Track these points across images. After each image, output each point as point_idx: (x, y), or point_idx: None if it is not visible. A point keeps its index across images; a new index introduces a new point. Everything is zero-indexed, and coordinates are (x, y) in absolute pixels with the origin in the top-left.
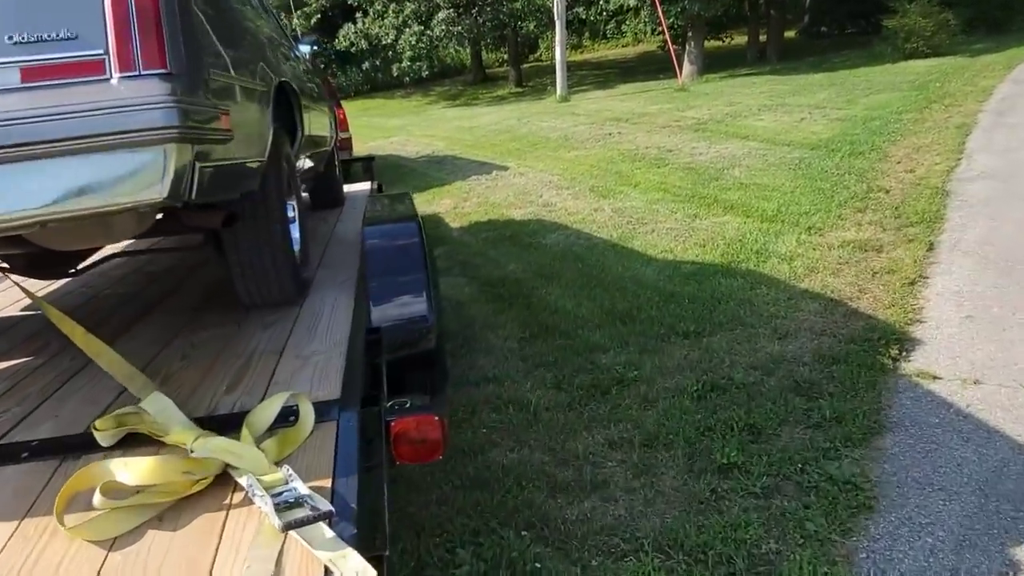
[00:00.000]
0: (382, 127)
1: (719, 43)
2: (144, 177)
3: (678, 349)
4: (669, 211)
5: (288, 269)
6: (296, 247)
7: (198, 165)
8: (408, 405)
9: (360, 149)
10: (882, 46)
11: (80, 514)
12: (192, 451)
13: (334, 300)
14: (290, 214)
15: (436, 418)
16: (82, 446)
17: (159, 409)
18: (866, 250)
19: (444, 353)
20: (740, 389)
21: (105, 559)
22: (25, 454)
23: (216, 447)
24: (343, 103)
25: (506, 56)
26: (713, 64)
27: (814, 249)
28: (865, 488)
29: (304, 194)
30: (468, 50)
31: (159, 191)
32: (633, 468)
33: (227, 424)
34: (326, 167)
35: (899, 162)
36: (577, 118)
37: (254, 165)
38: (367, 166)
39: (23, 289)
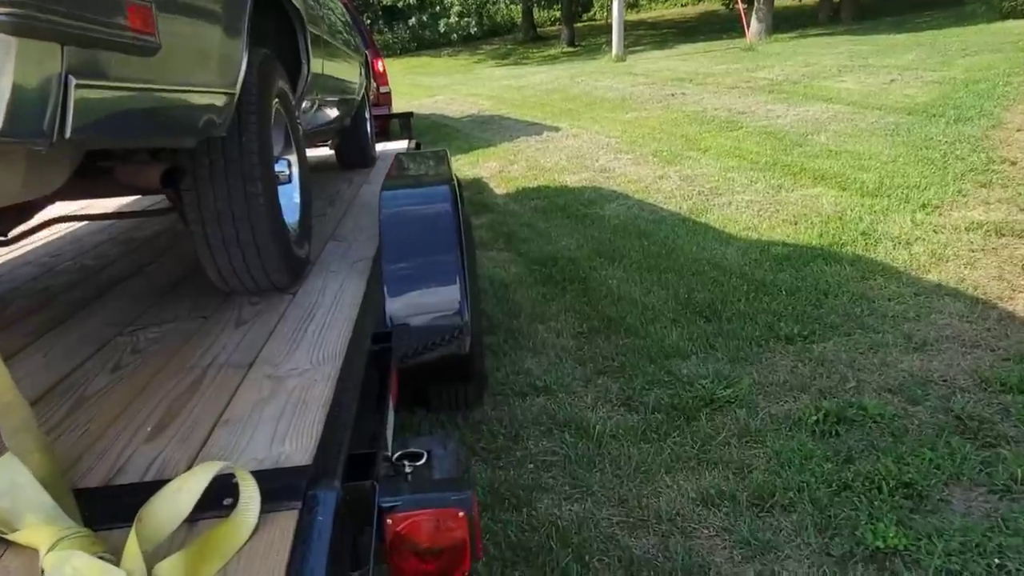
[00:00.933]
0: (426, 86)
1: (790, 2)
2: None
3: (781, 359)
4: (747, 180)
5: (275, 246)
6: (292, 217)
7: (75, 82)
8: (423, 461)
9: (401, 108)
10: (975, 5)
11: None
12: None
13: (338, 289)
14: (284, 172)
15: (461, 513)
16: None
17: (5, 487)
18: (1003, 234)
19: (481, 359)
20: (878, 424)
21: None
22: None
23: (78, 572)
24: (387, 62)
25: (558, 14)
26: (782, 24)
27: (936, 232)
28: None
29: (328, 150)
30: (519, 7)
31: None
32: (741, 545)
33: (119, 509)
34: (355, 120)
35: (1019, 130)
36: (635, 78)
37: (214, 101)
38: (404, 123)
39: None
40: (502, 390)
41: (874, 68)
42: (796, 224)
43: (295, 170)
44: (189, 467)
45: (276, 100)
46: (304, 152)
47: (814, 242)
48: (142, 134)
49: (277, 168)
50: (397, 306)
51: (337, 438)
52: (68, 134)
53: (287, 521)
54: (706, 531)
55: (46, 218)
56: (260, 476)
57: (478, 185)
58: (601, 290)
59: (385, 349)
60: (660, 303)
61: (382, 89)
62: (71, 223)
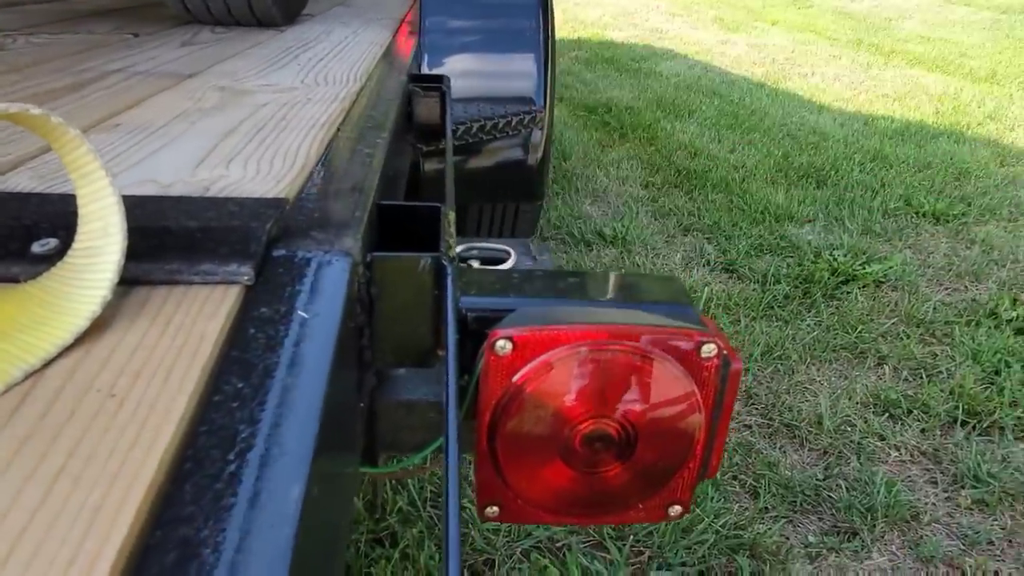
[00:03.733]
0: None
1: None
2: None
3: (932, 239)
4: (829, 55)
5: None
6: None
7: None
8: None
9: None
10: None
11: None
12: None
13: (353, 32)
14: None
15: (707, 346)
16: None
17: None
18: None
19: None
20: None
21: None
22: None
23: None
24: None
25: None
26: None
27: None
28: None
29: None
30: None
31: None
32: (957, 479)
33: None
34: None
35: None
36: None
37: None
38: None
39: None
40: (557, 235)
41: None
42: (901, 101)
43: None
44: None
45: None
46: None
47: (929, 120)
48: None
49: None
50: (443, 63)
51: (348, 174)
52: None
53: (215, 304)
54: (895, 454)
55: None
56: (152, 203)
57: None
58: (672, 142)
59: (436, 92)
60: (752, 162)
61: None
62: None
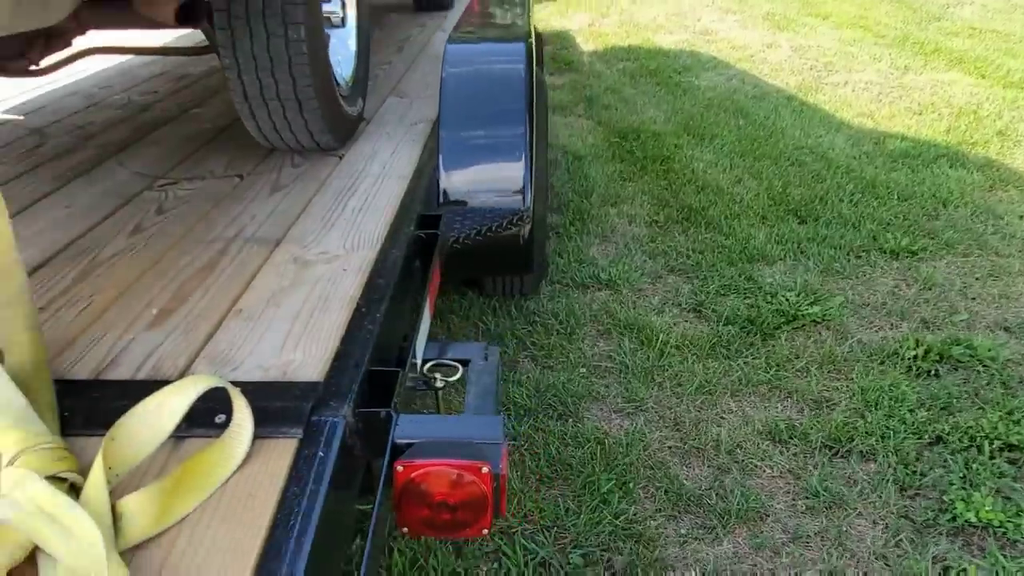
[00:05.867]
0: None
1: None
2: None
3: (882, 276)
4: (870, 56)
5: (320, 102)
6: (344, 69)
7: None
8: (457, 376)
9: None
10: None
11: None
12: None
13: (389, 157)
14: (336, 14)
15: (484, 469)
16: None
17: None
18: None
19: (542, 248)
20: (987, 369)
21: None
22: None
23: (32, 503)
24: None
25: None
26: None
27: None
28: None
29: None
30: None
31: None
32: (808, 493)
33: (102, 413)
34: None
35: None
36: None
37: None
38: None
39: None
40: (562, 279)
41: None
42: (920, 114)
43: (351, 12)
44: (188, 367)
45: None
46: None
47: (939, 138)
48: None
49: (327, 9)
50: (452, 180)
51: (356, 351)
52: None
53: (284, 451)
54: (768, 471)
55: (80, 48)
56: (261, 392)
57: (563, 39)
58: (685, 174)
59: (431, 236)
60: (750, 195)
61: None
62: (124, 55)
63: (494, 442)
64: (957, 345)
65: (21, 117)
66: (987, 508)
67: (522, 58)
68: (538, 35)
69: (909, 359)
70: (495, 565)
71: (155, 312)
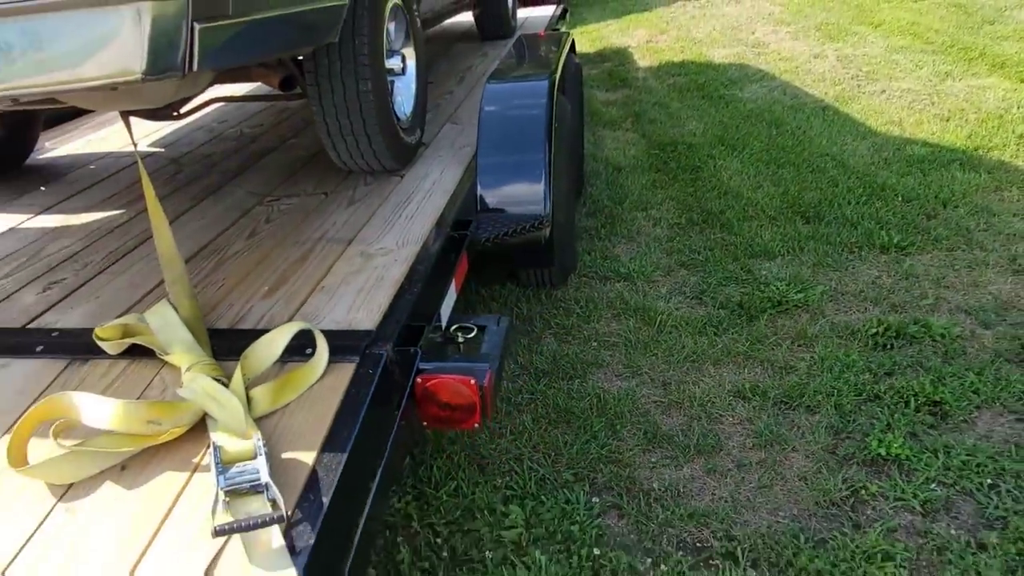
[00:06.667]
0: None
1: None
2: (112, 49)
3: (867, 268)
4: (913, 64)
5: (383, 136)
6: (405, 107)
7: (199, 27)
8: (473, 335)
9: None
10: None
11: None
12: (181, 386)
13: (438, 177)
14: (398, 66)
15: (472, 380)
16: (91, 349)
17: (160, 323)
18: None
19: (563, 247)
20: (936, 343)
21: (48, 514)
22: (39, 348)
23: (201, 390)
24: None
25: None
26: None
27: None
28: None
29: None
30: None
31: (136, 64)
32: (757, 435)
33: (237, 347)
34: None
35: None
36: None
37: (321, 16)
38: None
39: (131, 137)
40: (587, 272)
41: None
42: (947, 120)
43: (411, 63)
44: (289, 320)
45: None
46: (422, 44)
47: (959, 144)
48: (259, 55)
49: (391, 63)
50: (487, 194)
51: (398, 313)
52: (196, 67)
53: (347, 371)
54: (730, 419)
55: (208, 97)
56: (333, 335)
57: (622, 56)
58: (711, 181)
59: (462, 235)
60: (766, 200)
61: None
62: (234, 100)
63: (481, 369)
64: (915, 324)
65: (163, 150)
66: (897, 445)
67: (544, 95)
68: (576, 65)
69: (869, 336)
70: (507, 479)
71: (266, 289)
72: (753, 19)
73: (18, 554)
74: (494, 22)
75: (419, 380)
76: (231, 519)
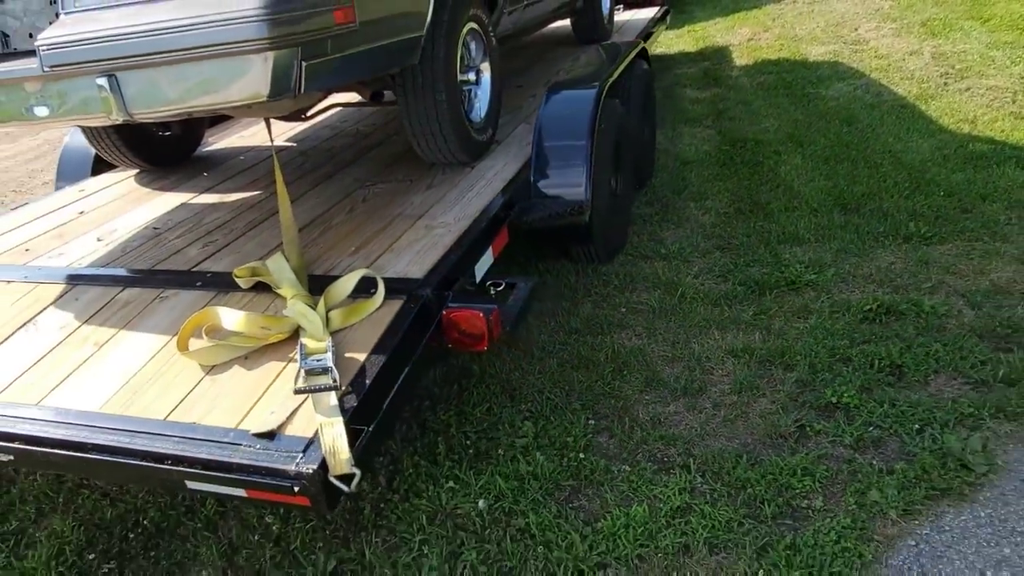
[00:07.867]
0: None
1: None
2: (248, 79)
3: (886, 255)
4: (1008, 61)
5: (456, 136)
6: (479, 112)
7: (306, 64)
8: (502, 287)
9: None
10: None
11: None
12: (285, 308)
13: (503, 166)
14: (471, 79)
15: (481, 315)
16: (232, 286)
17: (276, 268)
18: None
19: (609, 228)
20: (921, 320)
21: (200, 380)
22: (199, 283)
23: (297, 311)
24: None
25: None
26: None
27: None
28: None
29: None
30: None
31: (264, 89)
32: (737, 383)
33: (325, 286)
34: None
35: None
36: None
37: (403, 45)
38: None
39: (269, 134)
40: (633, 252)
41: None
42: (1022, 119)
43: (485, 76)
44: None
45: (471, 23)
46: (497, 60)
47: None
48: (352, 79)
49: (467, 76)
50: (538, 183)
51: (441, 268)
52: (303, 90)
53: (396, 305)
54: (719, 371)
55: (329, 103)
56: (391, 281)
57: (721, 55)
58: (768, 175)
59: (505, 214)
60: (813, 193)
61: None
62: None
63: (489, 308)
64: (907, 303)
65: (295, 144)
66: (848, 395)
67: (590, 103)
68: (646, 71)
69: (863, 311)
70: (529, 404)
71: (352, 249)
72: (859, 16)
73: (180, 403)
74: (590, 26)
75: (445, 313)
76: (307, 385)
